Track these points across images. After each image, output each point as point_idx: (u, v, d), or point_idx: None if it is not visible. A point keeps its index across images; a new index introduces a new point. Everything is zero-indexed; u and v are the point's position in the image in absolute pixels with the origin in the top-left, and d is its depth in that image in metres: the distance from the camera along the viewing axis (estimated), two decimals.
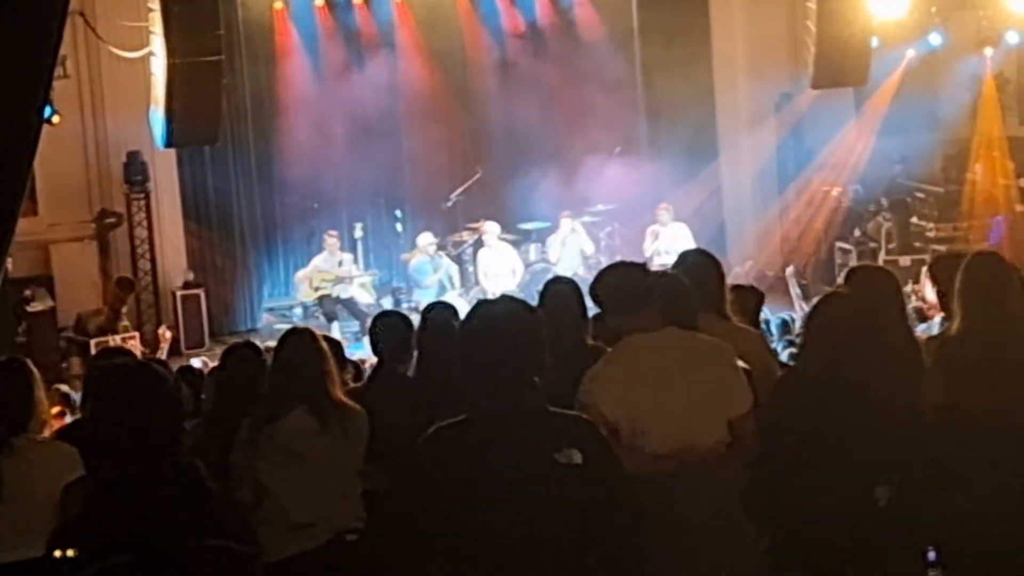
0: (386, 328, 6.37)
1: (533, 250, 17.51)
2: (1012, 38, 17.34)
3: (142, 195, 16.45)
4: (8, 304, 14.81)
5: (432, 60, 18.49)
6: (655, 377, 4.74)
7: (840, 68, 15.12)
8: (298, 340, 5.74)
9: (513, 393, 3.84)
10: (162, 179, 16.76)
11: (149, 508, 4.04)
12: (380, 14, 18.38)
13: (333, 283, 16.61)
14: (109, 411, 4.20)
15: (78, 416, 8.14)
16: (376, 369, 6.47)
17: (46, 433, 5.69)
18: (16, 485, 5.17)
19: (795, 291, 15.24)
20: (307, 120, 17.76)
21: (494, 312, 3.96)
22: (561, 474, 3.77)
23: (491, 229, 17.03)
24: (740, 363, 5.18)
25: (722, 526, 4.73)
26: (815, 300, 5.48)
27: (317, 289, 16.66)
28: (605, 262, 17.35)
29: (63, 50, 10.77)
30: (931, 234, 17.74)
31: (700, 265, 5.85)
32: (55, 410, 9.28)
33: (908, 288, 13.41)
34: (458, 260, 17.48)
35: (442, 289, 16.78)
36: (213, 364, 9.80)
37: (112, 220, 16.46)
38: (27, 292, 15.32)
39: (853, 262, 16.47)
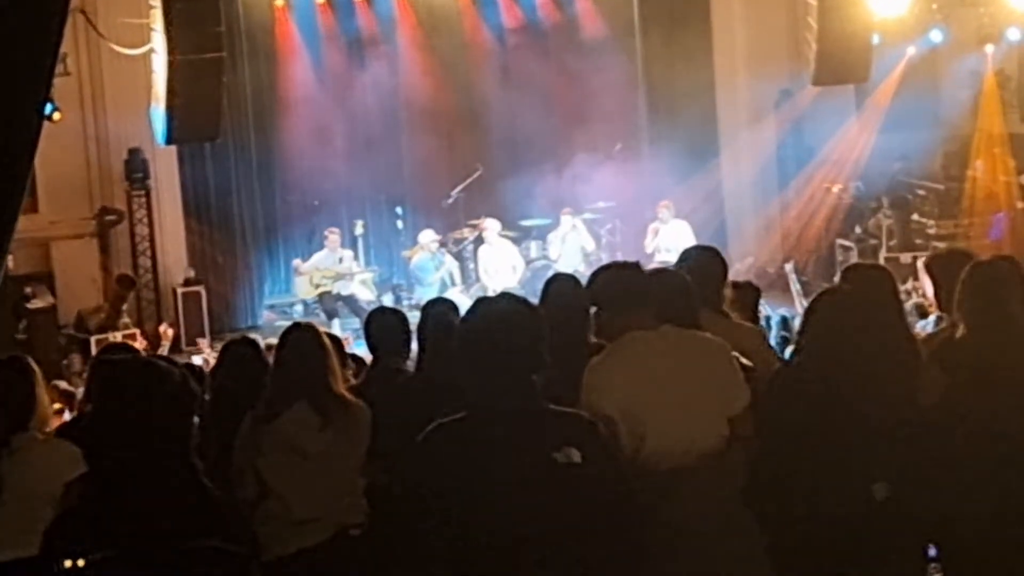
0: (381, 325, 6.38)
1: (534, 247, 17.51)
2: (1013, 35, 17.33)
3: (143, 192, 16.46)
4: (9, 301, 14.82)
5: (433, 57, 18.48)
6: (653, 374, 4.73)
7: (841, 65, 15.12)
8: (300, 336, 5.74)
9: (512, 391, 3.84)
10: (163, 176, 16.77)
11: (144, 506, 4.03)
12: (381, 11, 18.37)
13: (334, 280, 16.62)
14: (113, 407, 4.19)
15: (76, 414, 8.15)
16: (372, 365, 6.47)
17: (49, 430, 5.69)
18: (17, 484, 5.17)
19: (795, 287, 15.26)
20: (308, 117, 17.78)
21: (493, 310, 3.96)
22: (560, 473, 3.76)
23: (491, 226, 17.03)
24: (743, 360, 5.18)
25: (723, 525, 4.72)
26: (812, 298, 5.47)
27: (318, 286, 16.67)
28: (606, 259, 17.43)
29: (64, 47, 10.77)
30: (932, 231, 17.74)
31: (704, 262, 5.85)
32: (55, 407, 9.28)
33: (908, 285, 13.45)
34: (459, 257, 17.49)
35: (443, 286, 16.78)
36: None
37: (113, 217, 16.47)
38: (28, 289, 15.33)
39: (854, 259, 16.48)
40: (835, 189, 18.45)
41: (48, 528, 4.12)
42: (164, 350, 13.00)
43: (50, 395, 6.34)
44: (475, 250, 17.34)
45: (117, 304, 15.54)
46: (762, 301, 8.44)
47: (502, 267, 16.90)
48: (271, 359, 6.03)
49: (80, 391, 10.04)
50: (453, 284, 16.99)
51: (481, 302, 4.04)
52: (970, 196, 18.27)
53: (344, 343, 13.06)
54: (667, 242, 16.69)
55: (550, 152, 18.05)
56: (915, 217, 18.05)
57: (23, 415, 5.36)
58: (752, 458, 4.88)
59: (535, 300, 5.21)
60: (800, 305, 13.86)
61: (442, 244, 17.30)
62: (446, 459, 3.81)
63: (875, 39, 15.34)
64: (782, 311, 12.35)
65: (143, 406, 4.14)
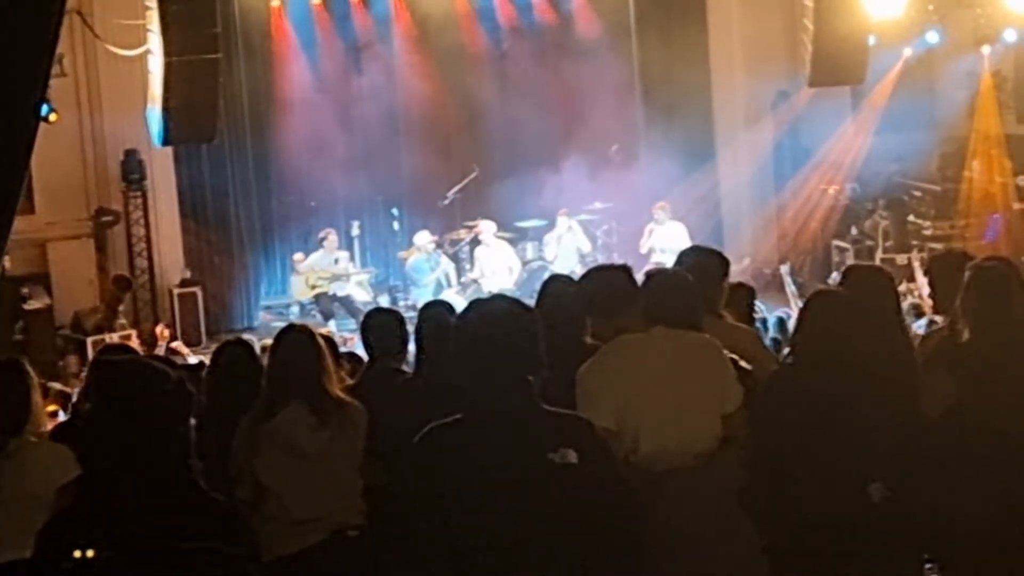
0: (378, 325, 6.38)
1: (530, 248, 17.52)
2: (1010, 36, 17.33)
3: (139, 193, 16.45)
4: (5, 302, 14.81)
5: (429, 58, 18.48)
6: (645, 377, 4.73)
7: (837, 66, 15.12)
8: (295, 337, 5.74)
9: (508, 393, 3.83)
10: (159, 177, 16.76)
11: (141, 507, 4.03)
12: (377, 13, 18.37)
13: (330, 281, 16.63)
14: (111, 407, 4.19)
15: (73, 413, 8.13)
16: (369, 366, 6.47)
17: (43, 431, 5.69)
18: (11, 487, 5.16)
19: (790, 288, 15.26)
20: (304, 119, 17.78)
21: (488, 311, 3.96)
22: (556, 474, 3.76)
23: (487, 228, 17.06)
24: (743, 363, 5.19)
25: (719, 526, 4.72)
26: (806, 300, 5.48)
27: (314, 287, 16.68)
28: (602, 260, 17.45)
29: (60, 48, 10.76)
30: (928, 232, 17.76)
31: (704, 262, 5.83)
32: (51, 408, 9.28)
33: (903, 287, 13.46)
34: (455, 258, 17.50)
35: (439, 287, 16.80)
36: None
37: (109, 218, 16.47)
38: (24, 290, 15.33)
39: (850, 260, 16.50)
40: (831, 190, 18.47)
41: (44, 529, 4.11)
42: (160, 351, 13.00)
43: (47, 396, 6.35)
44: (471, 251, 17.34)
45: (113, 305, 15.54)
46: (758, 302, 8.44)
47: (498, 268, 16.91)
48: (266, 360, 6.03)
49: (76, 392, 10.05)
50: (449, 285, 17.00)
51: (476, 304, 4.04)
52: (966, 197, 18.29)
53: (347, 343, 13.11)
54: (663, 243, 16.73)
55: (546, 153, 18.04)
56: (911, 218, 18.07)
57: (18, 419, 5.35)
58: (748, 459, 4.89)
59: (532, 301, 5.22)
60: (796, 306, 13.87)
61: (438, 245, 17.32)
62: (443, 460, 3.81)
63: (871, 40, 15.33)
64: (778, 312, 12.35)
65: (141, 407, 4.14)
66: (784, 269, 16.10)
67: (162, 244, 16.89)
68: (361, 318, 15.22)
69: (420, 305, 6.86)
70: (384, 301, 16.76)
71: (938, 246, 16.12)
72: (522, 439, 3.80)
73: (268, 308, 18.21)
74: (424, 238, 17.10)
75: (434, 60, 18.49)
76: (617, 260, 17.57)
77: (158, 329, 15.01)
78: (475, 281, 16.95)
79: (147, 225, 16.59)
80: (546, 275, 6.80)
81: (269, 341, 6.29)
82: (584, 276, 5.29)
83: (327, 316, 16.50)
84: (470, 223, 17.56)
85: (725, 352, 5.01)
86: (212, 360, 6.70)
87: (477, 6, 18.72)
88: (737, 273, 15.43)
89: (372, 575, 5.37)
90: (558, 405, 4.02)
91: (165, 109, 12.89)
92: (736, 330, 5.78)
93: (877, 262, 15.46)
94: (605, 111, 18.19)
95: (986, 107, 18.39)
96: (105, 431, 4.17)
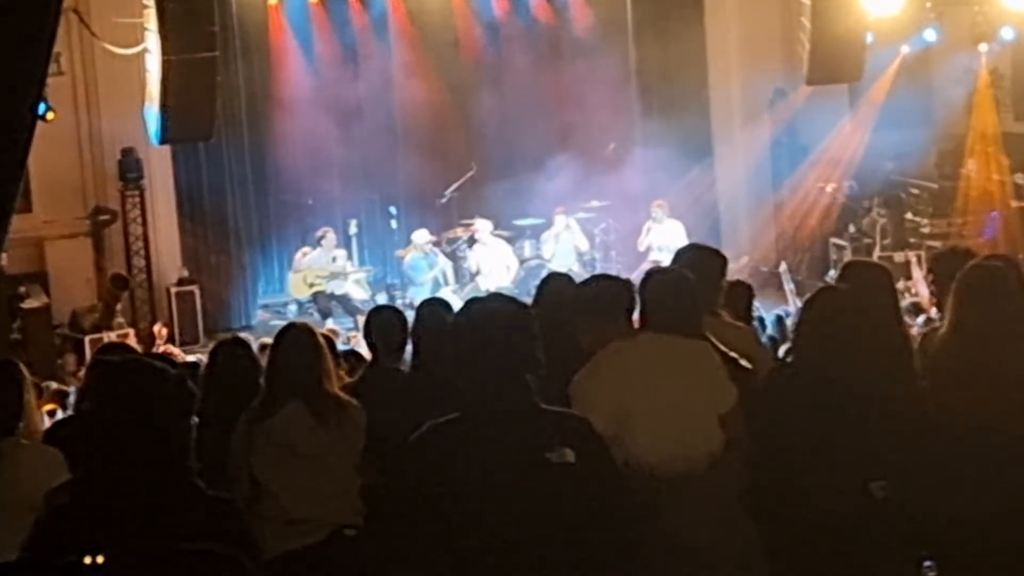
0: (380, 323, 6.37)
1: (528, 246, 17.52)
2: (1007, 34, 17.34)
3: (137, 192, 16.44)
4: (2, 301, 14.79)
5: (426, 57, 18.47)
6: (636, 385, 4.73)
7: (835, 64, 15.12)
8: (295, 336, 5.74)
9: (505, 391, 3.82)
10: (157, 176, 16.75)
11: (140, 507, 4.02)
12: (374, 11, 18.35)
13: (328, 279, 16.63)
14: (111, 407, 4.18)
15: (71, 413, 8.13)
16: (370, 365, 6.47)
17: (38, 432, 5.68)
18: (1, 489, 5.15)
19: (789, 287, 15.27)
20: (301, 116, 17.77)
21: (485, 310, 3.94)
22: (553, 473, 3.75)
23: (483, 227, 17.07)
24: (743, 362, 5.18)
25: (721, 532, 4.71)
26: (807, 297, 5.47)
27: (312, 285, 16.69)
28: (600, 259, 17.49)
29: (57, 47, 10.74)
30: (926, 230, 17.77)
31: (702, 260, 5.80)
32: (48, 407, 9.27)
33: (900, 285, 13.46)
34: (453, 257, 17.49)
35: (436, 286, 16.80)
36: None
37: (107, 217, 16.46)
38: (21, 289, 15.31)
39: (848, 258, 16.46)
40: (829, 188, 18.47)
41: (33, 531, 4.10)
42: (159, 350, 13.00)
43: (43, 396, 6.34)
44: (469, 250, 17.34)
45: (111, 304, 15.53)
46: (755, 301, 8.44)
47: (496, 267, 16.91)
48: (265, 359, 6.02)
49: (73, 390, 10.04)
50: (446, 284, 17.00)
51: (472, 302, 4.03)
52: (964, 195, 18.30)
53: (350, 341, 13.11)
54: (661, 241, 16.73)
55: (544, 151, 18.02)
56: (909, 216, 18.06)
57: (11, 421, 5.34)
58: (749, 457, 4.88)
59: (529, 300, 5.22)
60: (794, 304, 13.86)
61: (436, 244, 17.31)
62: (440, 460, 3.80)
63: (869, 38, 15.33)
64: (777, 311, 12.35)
65: (142, 406, 4.13)
66: (783, 267, 16.11)
67: (160, 243, 16.88)
68: (359, 316, 15.35)
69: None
70: (382, 299, 16.75)
71: (936, 244, 16.14)
72: (520, 438, 3.79)
73: (266, 307, 18.19)
74: (423, 236, 17.10)
75: (431, 58, 18.48)
76: (615, 258, 17.68)
77: (156, 328, 15.01)
78: (473, 279, 16.95)
79: (145, 224, 16.57)
80: (544, 273, 6.79)
81: (267, 339, 6.29)
82: (584, 282, 5.30)
83: (325, 314, 16.51)
84: (467, 221, 17.56)
85: (719, 353, 5.01)
86: (210, 358, 6.70)
87: (475, 5, 18.71)
88: (735, 271, 15.42)
89: (369, 575, 5.36)
90: (555, 404, 4.02)
91: (163, 108, 12.88)
92: (733, 328, 5.77)
93: (875, 260, 15.46)
94: (602, 109, 18.19)
95: (983, 105, 18.39)
96: (105, 430, 4.16)
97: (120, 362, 4.66)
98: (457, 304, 4.87)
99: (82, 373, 11.95)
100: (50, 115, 13.31)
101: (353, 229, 17.68)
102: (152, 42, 12.94)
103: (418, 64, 18.42)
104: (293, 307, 17.57)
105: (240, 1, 17.08)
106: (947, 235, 17.34)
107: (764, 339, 9.67)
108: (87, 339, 14.72)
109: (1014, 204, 17.64)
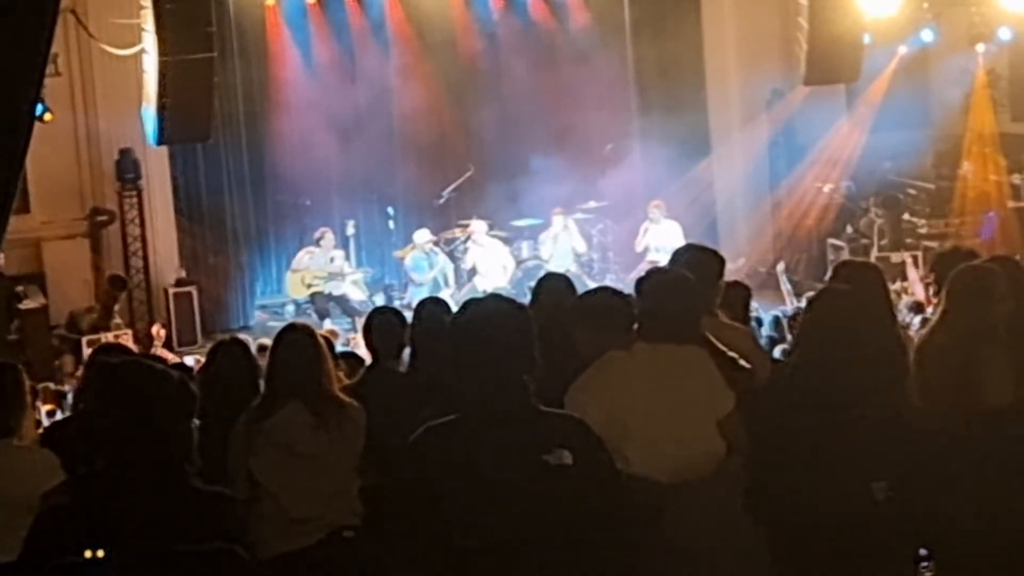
0: (380, 324, 6.37)
1: (525, 247, 17.52)
2: (1004, 34, 17.35)
3: (134, 192, 16.43)
4: (0, 302, 14.79)
5: (424, 57, 18.46)
6: (633, 396, 4.73)
7: (832, 64, 15.13)
8: (295, 337, 5.73)
9: (503, 393, 3.82)
10: (154, 176, 16.74)
11: (139, 507, 4.03)
12: (372, 11, 18.34)
13: (326, 280, 16.62)
14: (110, 408, 4.19)
15: (68, 414, 8.12)
16: (371, 366, 6.47)
17: (34, 434, 5.68)
18: None
19: (786, 287, 15.28)
20: (299, 117, 17.76)
21: (482, 311, 3.94)
22: (551, 475, 3.75)
23: (478, 228, 17.08)
24: (742, 362, 5.18)
25: (723, 539, 4.71)
26: (810, 297, 5.47)
27: (309, 286, 16.68)
28: (597, 259, 17.50)
29: (55, 48, 10.75)
30: (923, 230, 17.78)
31: (700, 260, 5.79)
32: (47, 408, 9.28)
33: (897, 285, 13.48)
34: (451, 257, 17.50)
35: (436, 286, 16.79)
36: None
37: (104, 218, 16.45)
38: (19, 289, 15.31)
39: (845, 258, 16.49)
40: (826, 188, 18.48)
41: (38, 530, 4.10)
42: (157, 351, 12.99)
43: (42, 396, 6.34)
44: (466, 250, 17.34)
45: (109, 304, 15.52)
46: (753, 302, 8.44)
47: (493, 267, 16.91)
48: (264, 360, 6.02)
49: (70, 391, 10.03)
50: (447, 284, 16.99)
51: (469, 303, 4.02)
52: (961, 195, 18.31)
53: (351, 343, 13.10)
54: (658, 242, 16.74)
55: (541, 152, 18.01)
56: (906, 216, 18.07)
57: (8, 423, 5.34)
58: (749, 460, 4.88)
59: (526, 300, 5.22)
60: (791, 304, 13.87)
61: (436, 244, 17.31)
62: (438, 461, 3.80)
63: (866, 39, 15.35)
64: (774, 311, 12.35)
65: (142, 408, 4.13)
66: (779, 267, 16.11)
67: (157, 243, 16.86)
68: (356, 317, 15.34)
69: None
70: (379, 300, 16.75)
71: (933, 244, 16.16)
72: (517, 440, 3.79)
73: (264, 307, 18.20)
74: (423, 236, 17.09)
75: (429, 59, 18.46)
76: (612, 259, 17.69)
77: (154, 329, 15.00)
78: (470, 280, 16.96)
79: (142, 224, 16.56)
80: (541, 274, 6.79)
81: (265, 340, 6.29)
82: (586, 293, 5.32)
83: (323, 315, 16.50)
84: (464, 222, 17.57)
85: (718, 353, 5.01)
86: (207, 359, 6.70)
87: (472, 5, 18.69)
88: (732, 272, 15.43)
89: (368, 575, 5.37)
90: (552, 404, 4.02)
91: (160, 108, 12.88)
92: (731, 329, 5.77)
93: (872, 260, 15.46)
94: (600, 110, 18.19)
95: (980, 105, 18.41)
96: (105, 431, 4.17)
97: (120, 363, 4.67)
98: (454, 306, 4.88)
99: (79, 374, 11.94)
100: (48, 116, 13.32)
101: (351, 230, 17.66)
102: (149, 43, 12.94)
103: (415, 65, 18.41)
104: (291, 308, 17.57)
105: (237, 2, 17.07)
106: (944, 235, 17.35)
107: (763, 340, 9.69)
108: (85, 340, 14.70)
109: (1011, 204, 17.66)
